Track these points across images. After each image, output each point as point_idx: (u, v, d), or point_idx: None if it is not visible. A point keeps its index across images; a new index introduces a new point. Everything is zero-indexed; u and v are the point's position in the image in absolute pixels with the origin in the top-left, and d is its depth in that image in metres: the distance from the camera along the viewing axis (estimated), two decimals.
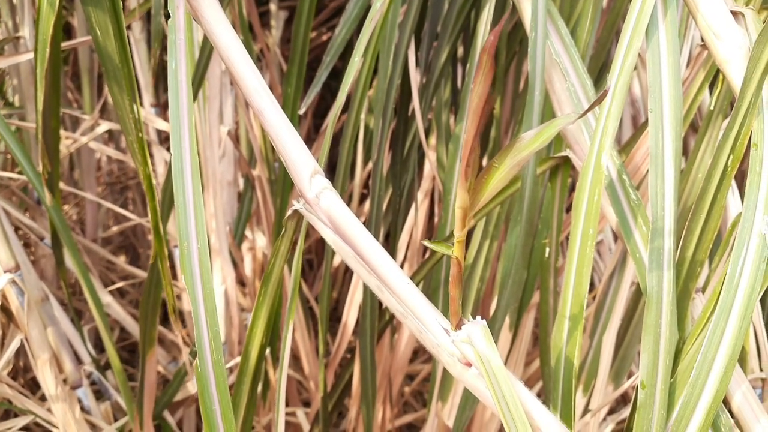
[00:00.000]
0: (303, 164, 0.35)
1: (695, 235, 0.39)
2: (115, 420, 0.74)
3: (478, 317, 0.32)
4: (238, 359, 0.77)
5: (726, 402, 0.42)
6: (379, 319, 0.69)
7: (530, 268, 0.58)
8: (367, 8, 0.59)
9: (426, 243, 0.30)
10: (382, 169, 0.64)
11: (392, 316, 0.70)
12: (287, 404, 0.85)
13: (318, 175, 0.35)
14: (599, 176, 0.39)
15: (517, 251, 0.51)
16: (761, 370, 0.68)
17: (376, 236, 0.66)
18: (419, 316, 0.33)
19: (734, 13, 0.46)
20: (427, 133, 0.76)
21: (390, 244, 0.75)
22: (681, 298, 0.40)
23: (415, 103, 0.65)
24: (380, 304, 0.74)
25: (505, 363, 0.63)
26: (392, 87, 0.63)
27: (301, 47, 0.64)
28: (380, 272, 0.34)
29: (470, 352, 0.31)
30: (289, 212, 0.36)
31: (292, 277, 0.41)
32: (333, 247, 0.35)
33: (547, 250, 0.55)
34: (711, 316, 0.36)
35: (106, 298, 0.88)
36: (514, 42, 0.66)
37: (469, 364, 0.32)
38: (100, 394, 0.80)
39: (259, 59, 1.05)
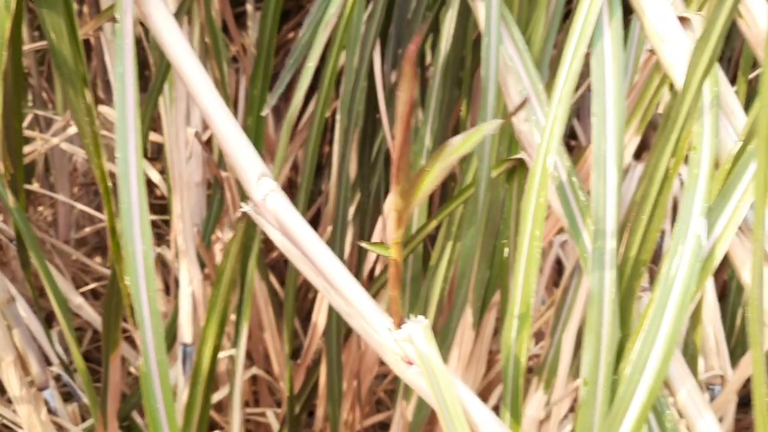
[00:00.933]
0: (250, 166, 0.35)
1: (638, 235, 0.40)
2: (83, 421, 0.74)
3: (420, 317, 0.33)
4: None
5: (673, 398, 0.43)
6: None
7: (493, 268, 0.58)
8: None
9: (363, 244, 0.31)
10: (347, 171, 0.64)
11: None
12: (258, 404, 0.86)
13: (266, 178, 0.35)
14: (545, 178, 0.40)
15: (472, 251, 0.52)
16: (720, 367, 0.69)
17: (342, 239, 0.66)
18: (364, 316, 0.34)
19: (683, 19, 0.47)
20: None
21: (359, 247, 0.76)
22: (626, 297, 0.41)
23: (381, 105, 0.66)
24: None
25: (468, 361, 0.64)
26: (357, 88, 0.63)
27: (266, 48, 0.65)
28: (326, 273, 0.34)
29: (411, 351, 0.32)
30: (237, 214, 0.37)
31: (247, 279, 0.42)
32: (281, 248, 0.36)
33: (506, 250, 0.56)
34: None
35: (78, 300, 0.88)
36: (480, 47, 0.67)
37: (411, 363, 0.33)
38: (69, 396, 0.80)
39: (236, 60, 1.05)
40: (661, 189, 0.40)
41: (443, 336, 0.55)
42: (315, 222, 0.89)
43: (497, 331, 0.75)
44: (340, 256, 0.65)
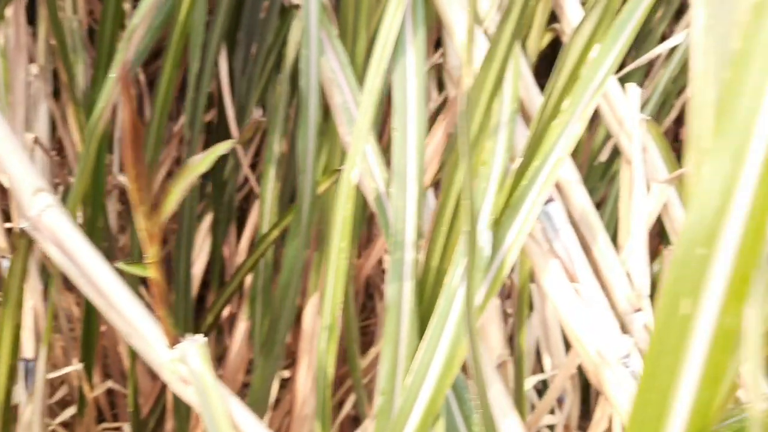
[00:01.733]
0: (25, 181, 0.34)
1: (438, 246, 0.41)
2: None
3: (198, 335, 0.33)
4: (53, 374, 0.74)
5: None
6: (197, 329, 0.68)
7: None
8: (173, 13, 0.59)
9: (119, 265, 0.30)
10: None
11: (211, 326, 0.70)
12: (117, 419, 0.83)
13: (43, 193, 0.34)
14: (350, 191, 0.41)
15: (297, 262, 0.52)
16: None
17: (189, 251, 0.65)
18: (143, 336, 0.33)
19: None
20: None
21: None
22: (429, 306, 0.42)
23: (228, 111, 0.65)
24: (197, 314, 0.74)
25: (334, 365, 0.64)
26: (200, 95, 0.62)
27: (106, 52, 0.63)
28: (104, 292, 0.33)
29: (184, 370, 0.32)
30: (17, 230, 0.35)
31: (50, 298, 0.40)
32: (59, 266, 0.34)
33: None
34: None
35: None
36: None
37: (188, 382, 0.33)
38: None
39: None
40: (459, 201, 0.41)
41: (268, 346, 0.55)
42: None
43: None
44: (187, 268, 0.64)
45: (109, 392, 0.82)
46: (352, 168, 0.41)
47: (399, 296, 0.40)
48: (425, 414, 0.35)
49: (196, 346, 0.32)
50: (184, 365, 0.32)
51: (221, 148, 0.28)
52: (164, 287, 0.30)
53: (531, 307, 0.73)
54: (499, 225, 0.39)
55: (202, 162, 0.27)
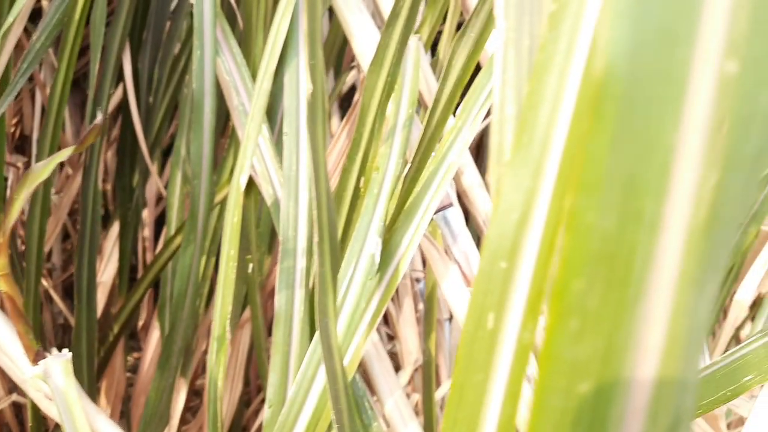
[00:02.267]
0: None
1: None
2: None
3: (65, 350, 0.31)
4: None
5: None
6: (102, 341, 0.66)
7: (248, 284, 0.58)
8: (71, 11, 0.56)
9: None
10: (95, 182, 0.60)
11: (118, 336, 0.67)
12: None
13: None
14: (239, 198, 0.39)
15: (191, 270, 0.51)
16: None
17: (93, 258, 0.62)
18: (6, 351, 0.31)
19: None
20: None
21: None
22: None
23: (134, 112, 0.63)
24: (102, 324, 0.71)
25: (224, 378, 0.63)
26: (102, 98, 0.60)
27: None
28: None
29: (46, 387, 0.30)
30: None
31: None
32: None
33: (251, 265, 0.55)
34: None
35: None
36: None
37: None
38: None
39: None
40: (352, 207, 0.40)
41: (164, 357, 0.53)
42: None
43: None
44: (91, 277, 0.61)
45: (18, 406, 0.78)
46: (240, 173, 0.39)
47: (290, 305, 0.39)
48: (310, 426, 0.35)
49: (60, 362, 0.30)
50: (46, 382, 0.30)
51: (63, 153, 0.27)
52: (18, 300, 0.28)
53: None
54: (392, 231, 0.39)
55: (43, 169, 0.26)
